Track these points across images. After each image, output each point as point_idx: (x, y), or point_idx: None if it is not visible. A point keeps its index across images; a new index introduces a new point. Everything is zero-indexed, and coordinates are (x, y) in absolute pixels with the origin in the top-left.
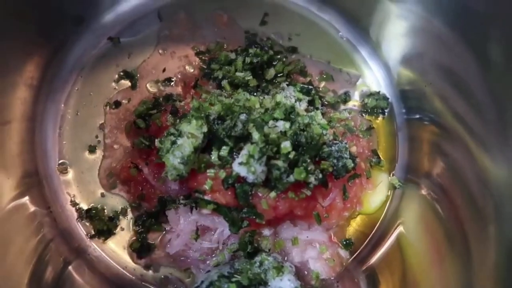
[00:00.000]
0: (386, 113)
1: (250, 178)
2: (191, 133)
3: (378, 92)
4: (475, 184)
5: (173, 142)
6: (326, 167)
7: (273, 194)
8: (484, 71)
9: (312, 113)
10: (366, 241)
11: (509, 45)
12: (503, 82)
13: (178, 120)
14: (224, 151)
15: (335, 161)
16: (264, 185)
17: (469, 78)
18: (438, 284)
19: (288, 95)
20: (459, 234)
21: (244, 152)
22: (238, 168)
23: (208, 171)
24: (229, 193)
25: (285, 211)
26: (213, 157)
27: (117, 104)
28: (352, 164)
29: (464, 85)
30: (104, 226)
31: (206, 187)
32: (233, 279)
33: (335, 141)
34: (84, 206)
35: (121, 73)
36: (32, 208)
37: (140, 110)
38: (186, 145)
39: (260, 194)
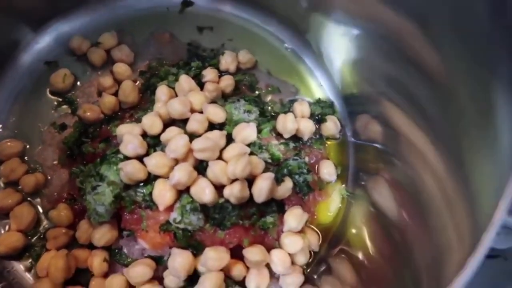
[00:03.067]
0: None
1: (189, 228)
2: (112, 180)
3: (320, 99)
4: (431, 197)
5: (94, 187)
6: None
7: (220, 234)
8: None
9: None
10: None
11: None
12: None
13: (98, 160)
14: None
15: (296, 177)
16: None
17: (412, 86)
18: None
19: (237, 107)
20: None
21: (176, 205)
22: (173, 223)
23: (140, 211)
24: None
25: (235, 244)
26: (138, 198)
27: (63, 127)
28: (312, 178)
29: (408, 92)
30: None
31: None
32: None
33: (294, 157)
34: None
35: (60, 99)
36: None
37: (69, 139)
38: (106, 194)
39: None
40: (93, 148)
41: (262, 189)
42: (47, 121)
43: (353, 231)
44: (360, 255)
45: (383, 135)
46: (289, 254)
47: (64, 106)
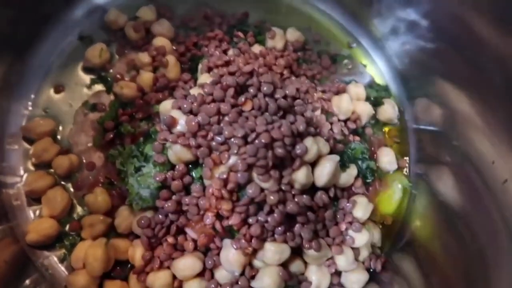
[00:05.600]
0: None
1: None
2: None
3: (374, 82)
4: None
5: (137, 169)
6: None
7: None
8: None
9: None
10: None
11: None
12: None
13: (142, 140)
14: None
15: (360, 163)
16: None
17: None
18: None
19: None
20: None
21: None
22: None
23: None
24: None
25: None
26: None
27: (97, 106)
28: (375, 166)
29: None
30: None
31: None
32: None
33: (355, 141)
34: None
35: (94, 77)
36: None
37: (105, 119)
38: (152, 175)
39: None
40: (133, 128)
41: (324, 170)
42: (80, 100)
43: (418, 224)
44: (426, 251)
45: (443, 118)
46: (352, 249)
47: (98, 85)
